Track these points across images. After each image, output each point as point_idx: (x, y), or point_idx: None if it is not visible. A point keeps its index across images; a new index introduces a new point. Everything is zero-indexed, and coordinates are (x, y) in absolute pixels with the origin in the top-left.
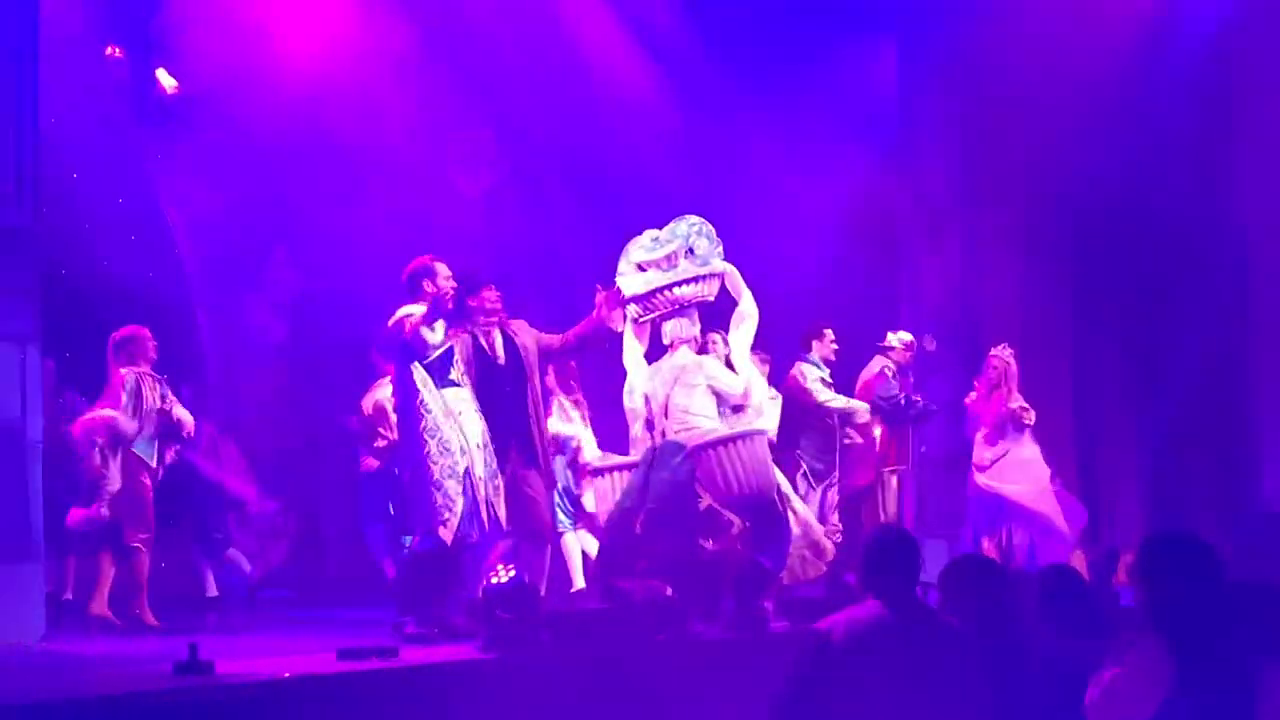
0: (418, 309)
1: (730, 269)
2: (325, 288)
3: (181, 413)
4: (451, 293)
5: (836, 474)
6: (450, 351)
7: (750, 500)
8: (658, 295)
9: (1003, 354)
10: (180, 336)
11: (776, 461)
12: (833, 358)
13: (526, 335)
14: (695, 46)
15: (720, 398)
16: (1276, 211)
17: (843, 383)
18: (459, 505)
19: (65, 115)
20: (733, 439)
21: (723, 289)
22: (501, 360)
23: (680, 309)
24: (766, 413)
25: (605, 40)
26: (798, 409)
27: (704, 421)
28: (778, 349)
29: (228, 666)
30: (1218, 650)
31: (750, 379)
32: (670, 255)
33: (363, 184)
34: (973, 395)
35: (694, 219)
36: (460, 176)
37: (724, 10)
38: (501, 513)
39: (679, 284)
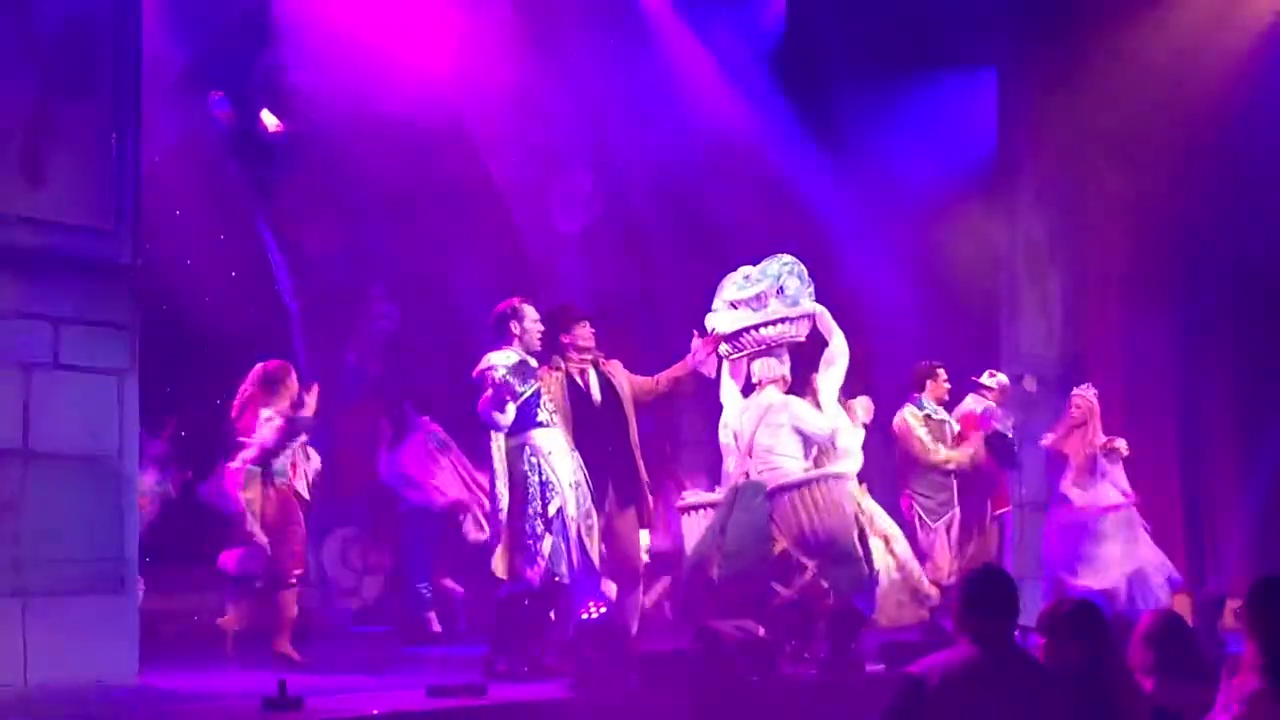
0: (501, 357)
1: (820, 310)
2: (422, 327)
3: (312, 453)
4: (539, 338)
5: (955, 511)
6: (537, 394)
7: (824, 544)
8: (746, 334)
9: (1086, 393)
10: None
11: (888, 503)
12: (946, 398)
13: (621, 375)
14: (792, 85)
15: (806, 439)
16: None
17: None
18: (547, 546)
19: (168, 152)
20: (811, 481)
21: (815, 330)
22: (597, 399)
23: (769, 349)
24: (853, 454)
25: (703, 79)
26: (906, 451)
27: (788, 462)
28: (882, 389)
29: (317, 703)
30: None
31: (838, 420)
32: (760, 294)
33: (460, 224)
34: (1050, 436)
35: (786, 258)
36: (558, 216)
37: (821, 48)
38: (594, 553)
39: (767, 324)
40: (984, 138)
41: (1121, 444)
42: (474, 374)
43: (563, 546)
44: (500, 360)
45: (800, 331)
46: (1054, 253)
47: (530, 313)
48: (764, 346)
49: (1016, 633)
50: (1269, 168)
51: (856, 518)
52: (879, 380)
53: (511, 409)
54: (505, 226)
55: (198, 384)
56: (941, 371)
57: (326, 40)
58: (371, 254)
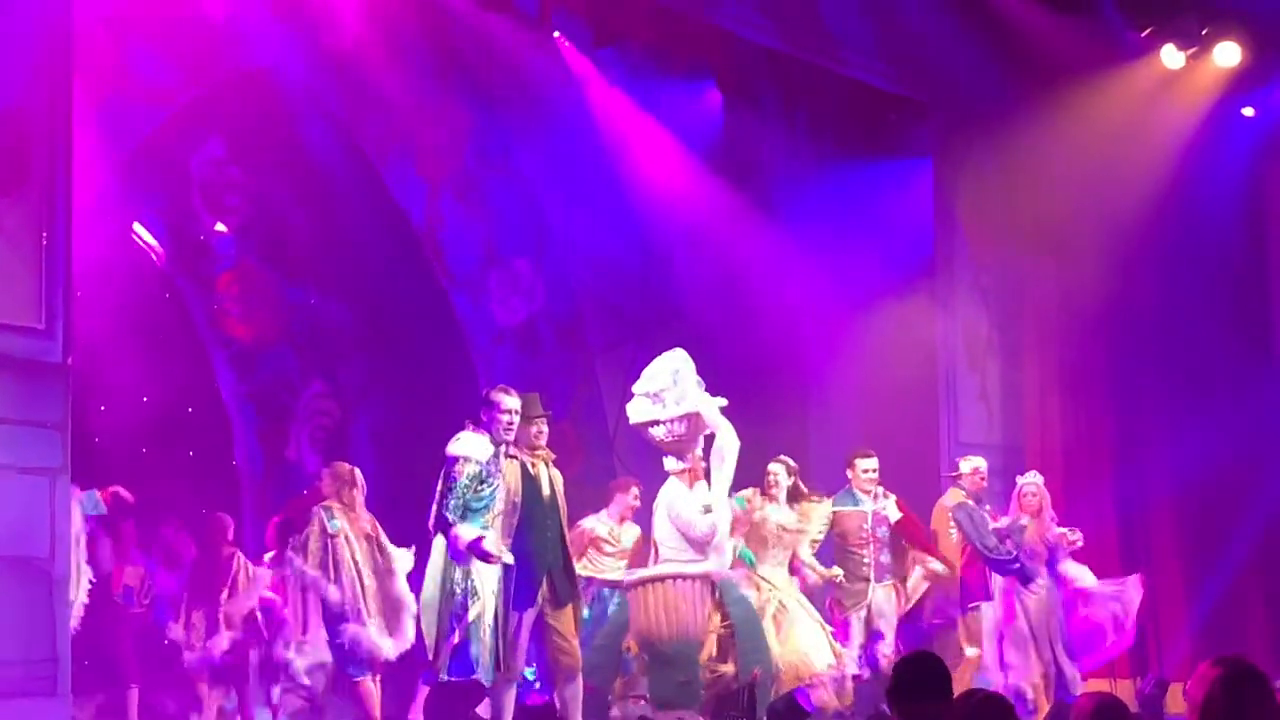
0: (473, 448)
1: (704, 404)
2: (361, 420)
3: None
4: (507, 431)
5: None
6: (493, 495)
7: (651, 643)
8: (647, 430)
9: (1036, 480)
10: (219, 471)
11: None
12: (868, 488)
13: (560, 483)
14: (731, 172)
15: (682, 533)
16: None
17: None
18: (460, 648)
19: (103, 251)
20: (656, 579)
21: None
22: (546, 493)
23: (669, 444)
24: (720, 555)
25: (642, 166)
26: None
27: (666, 552)
28: (817, 476)
29: None
30: None
31: (719, 518)
32: (656, 392)
33: (400, 316)
34: (1004, 523)
35: (674, 355)
36: (497, 307)
37: (760, 136)
38: (520, 653)
39: (653, 423)
40: (921, 226)
41: (1078, 535)
42: (448, 455)
43: (469, 650)
44: (477, 452)
45: (679, 430)
46: (992, 340)
47: (509, 405)
48: (660, 442)
49: None
50: (1201, 251)
51: (709, 620)
52: (817, 468)
53: (455, 510)
54: (447, 319)
55: (136, 484)
56: (859, 461)
57: (265, 133)
58: (310, 349)
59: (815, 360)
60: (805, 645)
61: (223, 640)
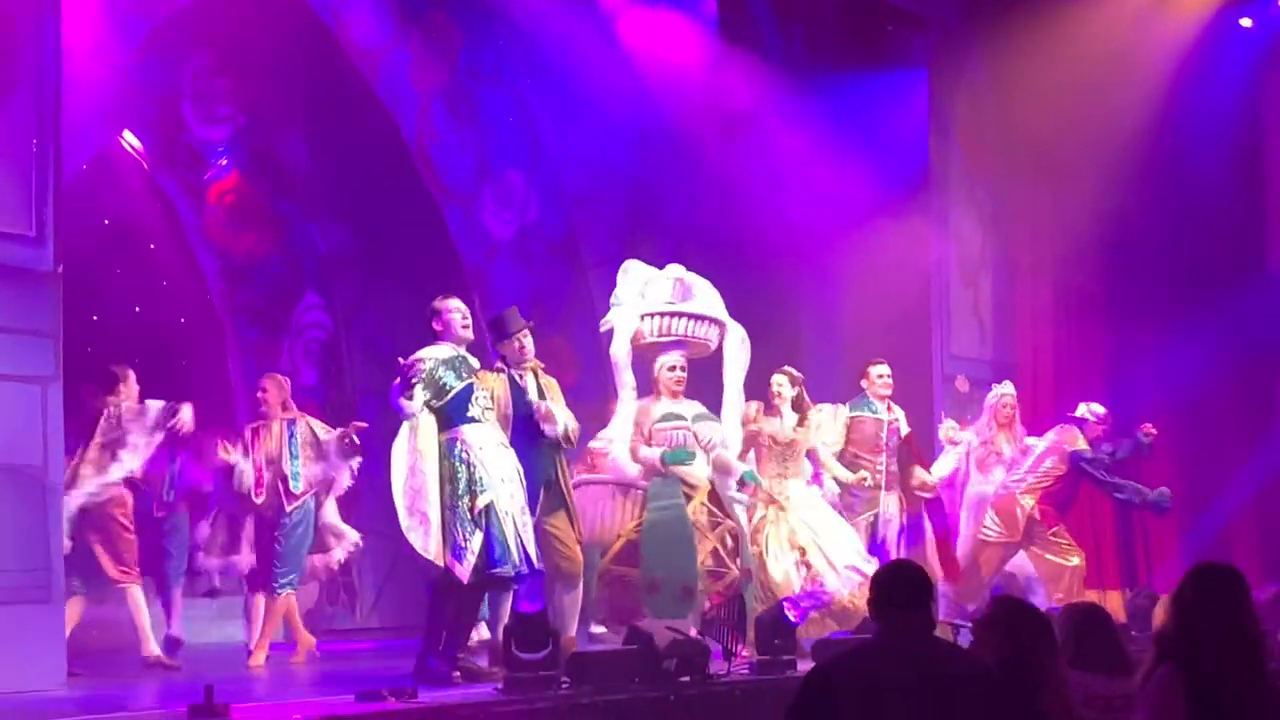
0: (433, 350)
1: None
2: (354, 334)
3: None
4: (465, 329)
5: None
6: (469, 389)
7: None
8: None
9: (1009, 390)
10: (213, 382)
11: None
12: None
13: (556, 390)
14: (724, 85)
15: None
16: None
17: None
18: (476, 542)
19: (95, 159)
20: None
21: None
22: (534, 401)
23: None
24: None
25: (636, 78)
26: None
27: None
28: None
29: (243, 709)
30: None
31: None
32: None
33: (393, 229)
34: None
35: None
36: (491, 220)
37: (754, 48)
38: (531, 550)
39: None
40: (916, 141)
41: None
42: (401, 362)
43: (494, 541)
44: (430, 353)
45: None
46: (986, 256)
47: (450, 305)
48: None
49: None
50: (1196, 169)
51: (621, 524)
52: (811, 381)
53: (419, 396)
54: (439, 233)
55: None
56: (873, 369)
57: (256, 43)
58: (303, 262)
59: (809, 275)
60: (783, 569)
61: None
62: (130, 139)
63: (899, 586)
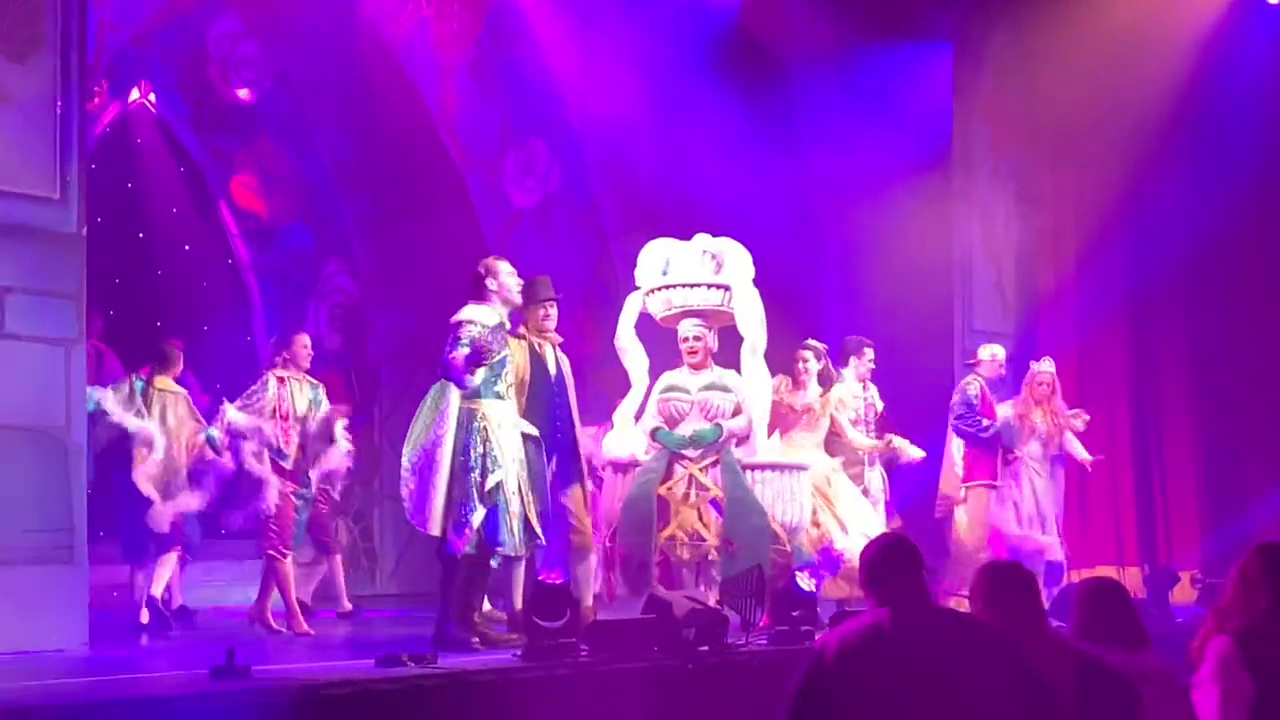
0: (484, 314)
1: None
2: (378, 299)
3: None
4: (518, 292)
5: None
6: (503, 364)
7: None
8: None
9: (1049, 368)
10: (236, 344)
11: None
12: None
13: (569, 368)
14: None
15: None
16: None
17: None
18: (477, 518)
19: (120, 122)
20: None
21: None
22: (553, 373)
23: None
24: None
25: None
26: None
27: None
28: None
29: (264, 672)
30: None
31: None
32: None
33: (416, 197)
34: (1014, 407)
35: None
36: (513, 189)
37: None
38: (537, 524)
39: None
40: (941, 114)
41: (1085, 417)
42: (452, 321)
43: (497, 520)
44: (483, 318)
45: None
46: (1009, 231)
47: (504, 268)
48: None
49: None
50: (1223, 149)
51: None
52: (835, 356)
53: (481, 371)
54: (461, 200)
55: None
56: (868, 350)
57: (281, 7)
58: (328, 227)
59: (833, 247)
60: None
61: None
62: (155, 102)
63: (889, 559)
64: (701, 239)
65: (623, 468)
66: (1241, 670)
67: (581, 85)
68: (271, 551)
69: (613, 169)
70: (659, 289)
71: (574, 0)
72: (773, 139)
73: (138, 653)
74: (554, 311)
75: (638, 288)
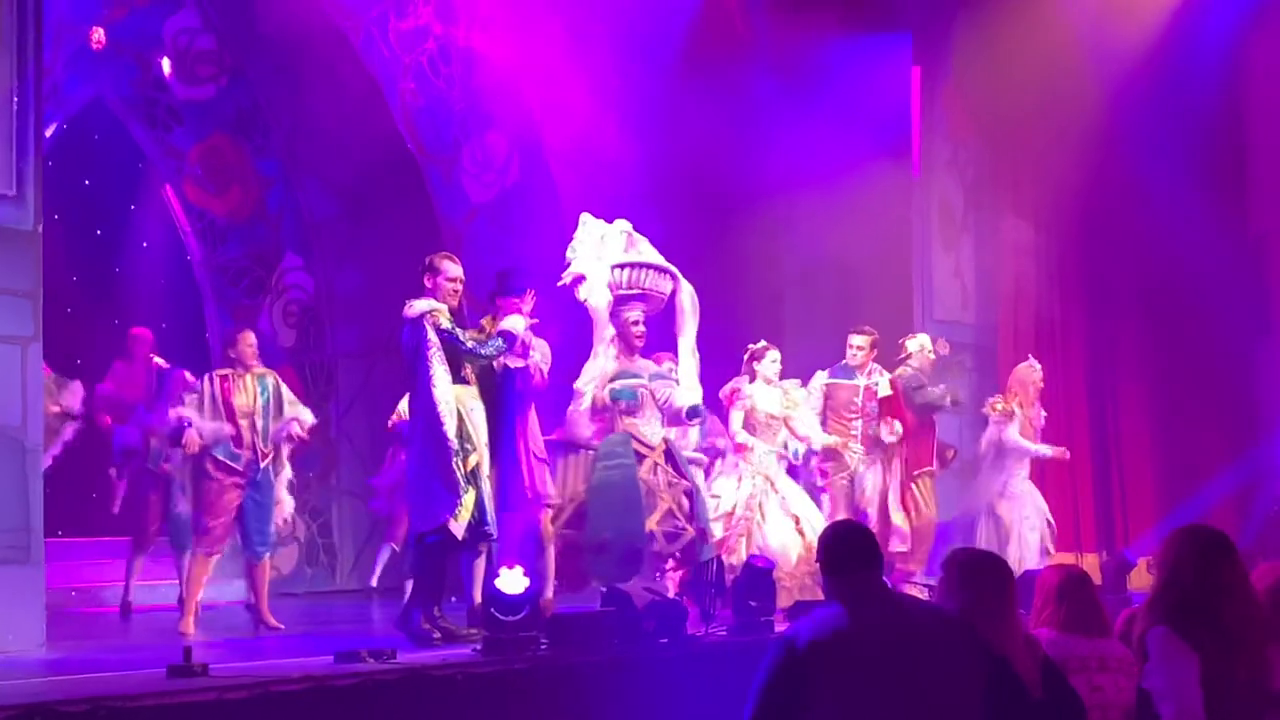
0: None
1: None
2: (334, 296)
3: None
4: (453, 297)
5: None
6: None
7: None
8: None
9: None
10: (191, 342)
11: None
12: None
13: (541, 358)
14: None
15: None
16: None
17: None
18: (470, 499)
19: (76, 119)
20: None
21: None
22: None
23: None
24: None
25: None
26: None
27: None
28: (801, 354)
29: (222, 669)
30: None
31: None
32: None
33: (373, 191)
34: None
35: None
36: (471, 183)
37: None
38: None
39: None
40: (901, 103)
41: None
42: (410, 315)
43: (483, 500)
44: (438, 308)
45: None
46: (967, 220)
47: (449, 269)
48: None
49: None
50: (1181, 137)
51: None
52: (792, 345)
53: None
54: (420, 195)
55: (108, 356)
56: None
57: (238, 3)
58: (284, 224)
59: (792, 237)
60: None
61: None
62: (111, 99)
63: (849, 546)
64: (623, 223)
65: (573, 449)
66: (1184, 651)
67: (540, 78)
68: (200, 550)
69: (572, 162)
70: (629, 265)
71: None
72: (733, 129)
73: (94, 653)
74: (518, 302)
75: (574, 256)
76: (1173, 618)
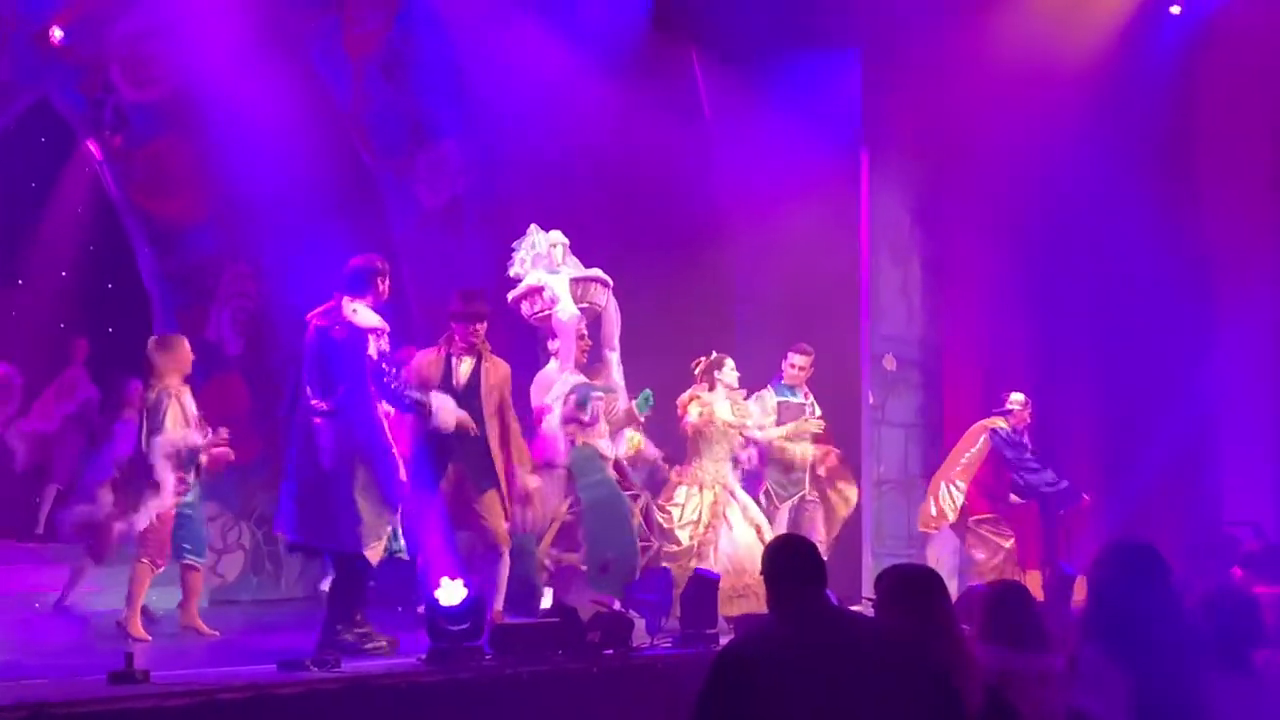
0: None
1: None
2: (284, 302)
3: None
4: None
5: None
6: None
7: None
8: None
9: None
10: (137, 350)
11: None
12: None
13: (498, 378)
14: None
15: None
16: (1239, 236)
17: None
18: (395, 521)
19: (21, 121)
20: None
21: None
22: (458, 384)
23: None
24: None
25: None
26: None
27: None
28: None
29: (164, 676)
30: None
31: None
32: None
33: (324, 196)
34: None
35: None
36: (423, 190)
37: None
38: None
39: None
40: (848, 120)
41: None
42: (362, 327)
43: (396, 526)
44: (384, 329)
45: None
46: (915, 236)
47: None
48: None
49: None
50: (1130, 148)
51: (556, 508)
52: (743, 359)
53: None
54: (372, 201)
55: (54, 362)
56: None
57: (187, 5)
58: (233, 230)
59: (739, 253)
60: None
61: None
62: (58, 101)
63: (796, 561)
64: (557, 234)
65: (547, 467)
66: (1113, 671)
67: (493, 85)
68: (145, 560)
69: (524, 170)
70: (585, 280)
71: (484, 6)
72: (683, 141)
73: (33, 660)
74: (471, 327)
75: (525, 268)
76: (1100, 636)
